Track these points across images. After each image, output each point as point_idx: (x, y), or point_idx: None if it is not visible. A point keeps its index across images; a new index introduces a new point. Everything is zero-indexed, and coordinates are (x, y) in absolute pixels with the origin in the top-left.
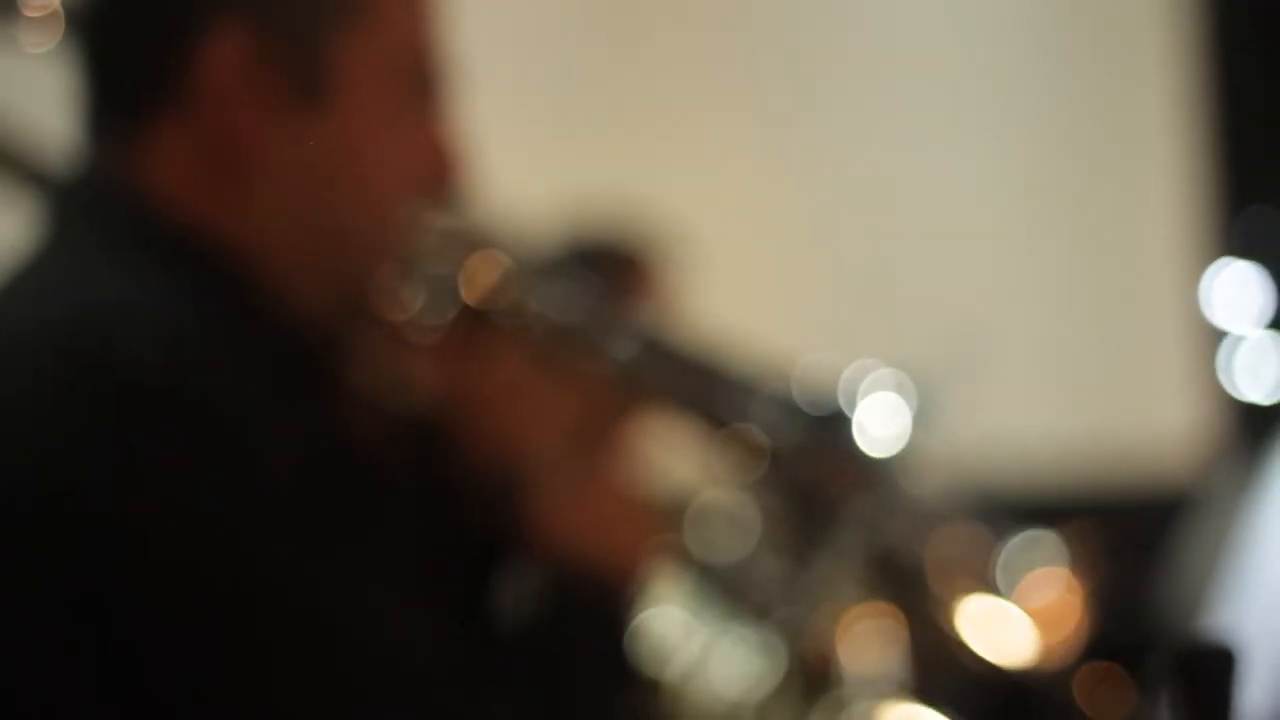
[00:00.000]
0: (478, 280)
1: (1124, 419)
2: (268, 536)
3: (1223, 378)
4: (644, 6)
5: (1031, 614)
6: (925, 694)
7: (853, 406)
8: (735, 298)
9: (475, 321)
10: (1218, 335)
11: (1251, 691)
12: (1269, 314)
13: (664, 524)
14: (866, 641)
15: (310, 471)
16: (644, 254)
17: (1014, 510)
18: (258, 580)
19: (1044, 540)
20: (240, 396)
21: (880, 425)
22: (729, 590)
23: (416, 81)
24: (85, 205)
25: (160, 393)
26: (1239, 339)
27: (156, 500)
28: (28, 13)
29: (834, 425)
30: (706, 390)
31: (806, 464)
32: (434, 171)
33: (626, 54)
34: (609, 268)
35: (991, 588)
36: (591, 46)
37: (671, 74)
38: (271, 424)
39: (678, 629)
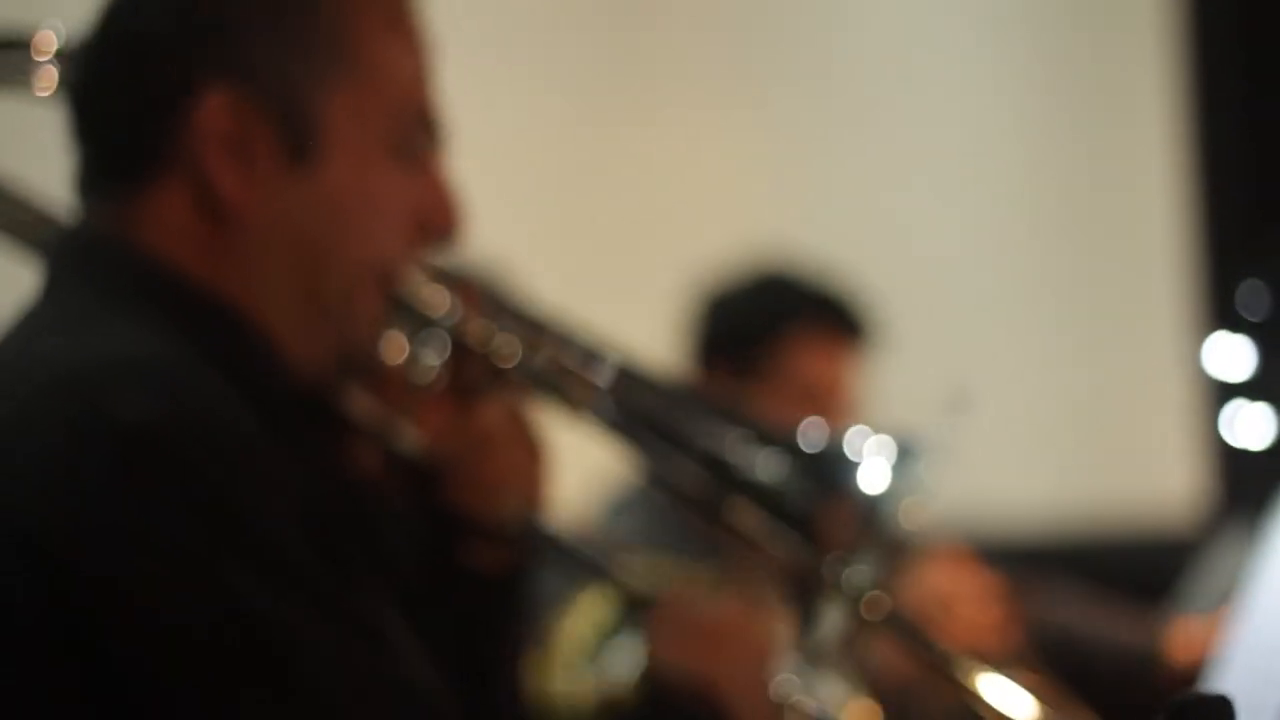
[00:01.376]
0: (470, 323)
1: (1124, 483)
2: (265, 585)
3: (1222, 438)
4: (638, 15)
5: None
6: None
7: (855, 464)
8: None
9: (468, 365)
10: (1216, 402)
11: None
12: (1264, 383)
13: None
14: None
15: (309, 519)
16: (856, 308)
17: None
18: (256, 629)
19: None
20: (238, 446)
21: (878, 484)
22: None
23: (409, 133)
24: (84, 261)
25: (159, 444)
26: (1236, 407)
27: (155, 551)
28: (36, 57)
29: (838, 473)
30: (711, 436)
31: (812, 510)
32: (429, 221)
33: (619, 66)
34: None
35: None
36: (582, 71)
37: (664, 100)
38: (270, 473)
39: None
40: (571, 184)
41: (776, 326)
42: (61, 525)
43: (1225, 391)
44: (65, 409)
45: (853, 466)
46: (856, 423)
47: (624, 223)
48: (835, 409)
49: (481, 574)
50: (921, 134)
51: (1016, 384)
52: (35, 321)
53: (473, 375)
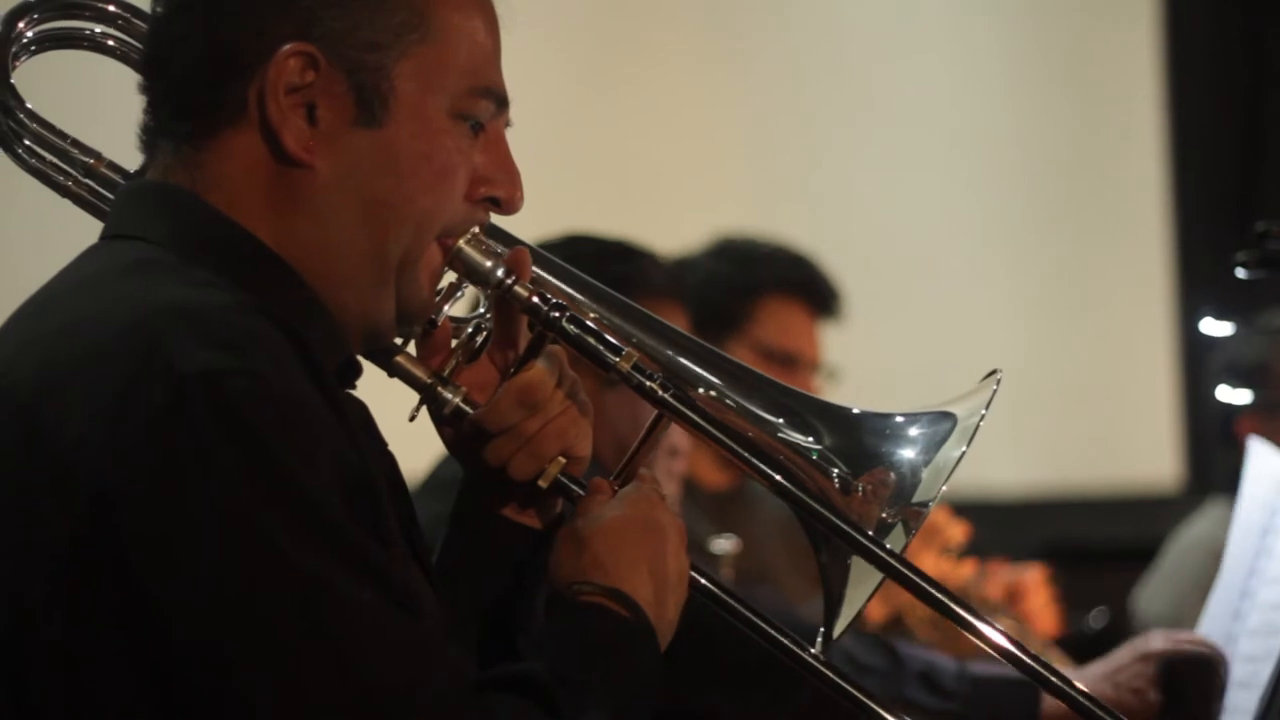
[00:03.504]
0: (518, 284)
1: (1109, 453)
2: (306, 541)
3: (1203, 411)
4: (641, 53)
5: None
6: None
7: (891, 435)
8: None
9: (514, 324)
10: (1202, 388)
11: None
12: (1248, 370)
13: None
14: None
15: (355, 482)
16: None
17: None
18: (294, 584)
19: None
20: (292, 403)
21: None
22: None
23: (475, 101)
24: (153, 208)
25: (214, 393)
26: (1224, 391)
27: (199, 497)
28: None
29: (874, 443)
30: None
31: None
32: (489, 187)
33: (626, 93)
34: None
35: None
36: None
37: (667, 107)
38: (321, 433)
39: None
40: (557, 159)
41: (750, 290)
42: (109, 465)
43: (1207, 368)
44: (130, 353)
45: (889, 437)
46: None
47: (617, 191)
48: (792, 376)
49: (523, 528)
50: (911, 113)
51: (1006, 357)
52: (102, 273)
53: (519, 335)
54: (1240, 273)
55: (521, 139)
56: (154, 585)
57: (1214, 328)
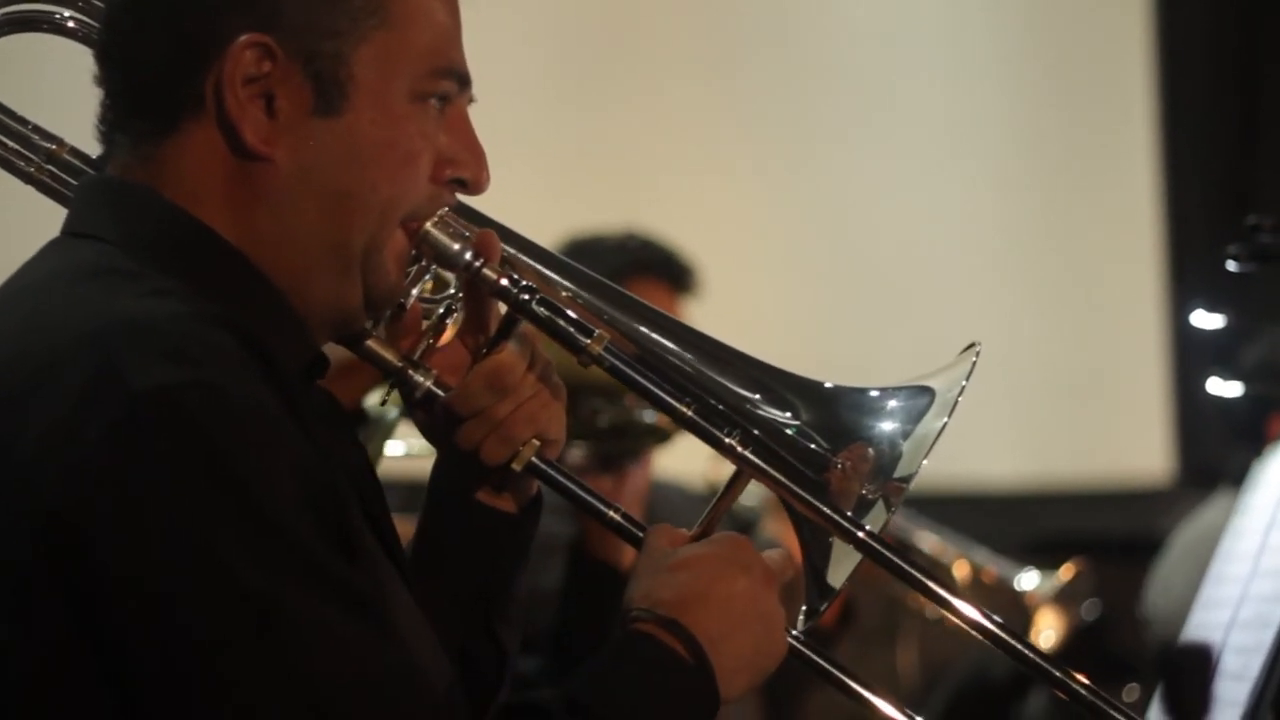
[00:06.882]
0: (488, 266)
1: (1100, 444)
2: (260, 559)
3: (1196, 403)
4: (636, 43)
5: None
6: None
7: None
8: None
9: (485, 307)
10: (1195, 379)
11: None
12: (1239, 361)
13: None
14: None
15: (319, 492)
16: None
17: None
18: (246, 604)
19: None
20: (250, 418)
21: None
22: None
23: (436, 84)
24: (111, 206)
25: (168, 409)
26: (1214, 384)
27: (151, 515)
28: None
29: (853, 418)
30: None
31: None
32: (453, 169)
33: (622, 84)
34: (665, 272)
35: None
36: (587, 80)
37: (661, 99)
38: (281, 446)
39: None
40: (555, 157)
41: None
42: (63, 485)
43: (1200, 361)
44: (83, 367)
45: (868, 411)
46: None
47: (613, 189)
48: None
49: (498, 511)
50: (904, 108)
51: (997, 349)
52: (62, 266)
53: (489, 316)
54: (1231, 265)
55: (521, 137)
56: (110, 605)
57: (1205, 320)
